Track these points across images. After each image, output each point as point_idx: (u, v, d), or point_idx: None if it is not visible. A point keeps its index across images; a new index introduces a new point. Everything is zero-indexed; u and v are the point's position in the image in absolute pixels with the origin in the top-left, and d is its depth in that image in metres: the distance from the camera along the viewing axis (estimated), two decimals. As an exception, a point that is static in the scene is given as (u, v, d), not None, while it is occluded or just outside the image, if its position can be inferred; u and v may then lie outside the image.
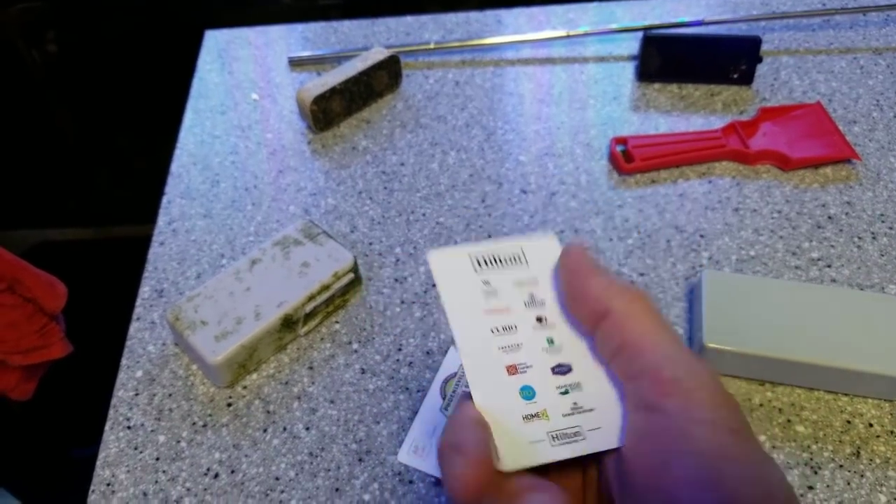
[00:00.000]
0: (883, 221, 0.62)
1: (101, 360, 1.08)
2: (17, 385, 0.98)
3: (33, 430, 1.17)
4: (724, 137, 0.69)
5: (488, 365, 0.30)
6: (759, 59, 0.74)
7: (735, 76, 0.75)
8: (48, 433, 1.22)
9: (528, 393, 0.30)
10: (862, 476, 0.47)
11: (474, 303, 0.31)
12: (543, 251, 0.33)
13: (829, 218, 0.63)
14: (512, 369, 0.30)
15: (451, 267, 0.32)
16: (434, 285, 0.59)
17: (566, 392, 0.30)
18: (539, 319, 0.31)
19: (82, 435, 1.43)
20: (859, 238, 0.61)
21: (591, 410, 0.30)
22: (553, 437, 0.29)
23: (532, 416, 0.29)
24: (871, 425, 0.50)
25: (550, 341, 0.31)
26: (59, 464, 1.26)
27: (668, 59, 0.75)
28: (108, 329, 1.21)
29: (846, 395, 0.52)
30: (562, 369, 0.30)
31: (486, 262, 0.32)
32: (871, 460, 0.48)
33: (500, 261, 0.32)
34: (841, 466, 0.48)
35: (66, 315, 0.98)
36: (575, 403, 0.30)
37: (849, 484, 0.47)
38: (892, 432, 0.49)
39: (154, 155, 1.52)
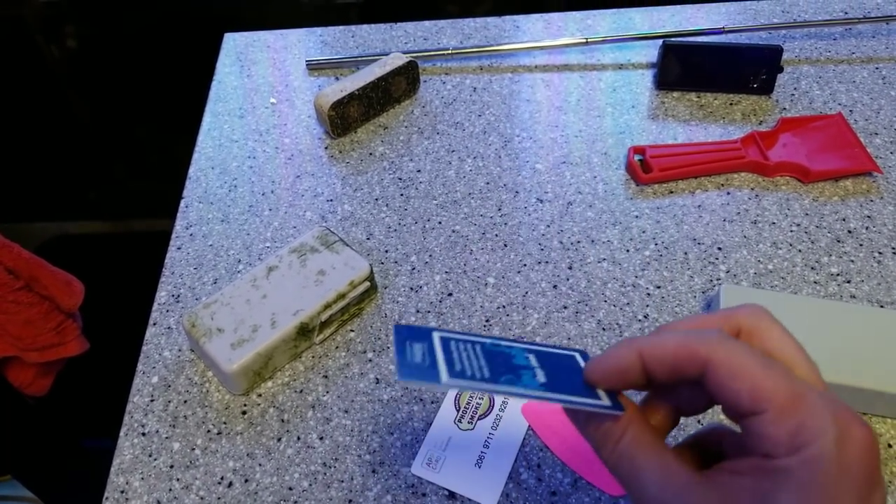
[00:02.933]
0: (904, 237, 0.62)
1: (116, 354, 1.09)
2: (34, 381, 0.99)
3: (47, 422, 1.18)
4: (743, 148, 0.68)
5: None
6: (780, 69, 0.73)
7: (755, 85, 0.75)
8: (61, 425, 1.23)
9: None
10: (879, 497, 0.47)
11: None
12: None
13: (849, 232, 0.62)
14: None
15: None
16: (449, 294, 0.59)
17: None
18: None
19: (95, 427, 1.44)
20: (879, 253, 0.61)
21: None
22: None
23: None
24: (890, 446, 0.49)
25: None
26: (72, 455, 1.27)
27: (688, 67, 0.75)
28: (124, 323, 1.21)
29: (865, 414, 0.51)
30: None
31: None
32: (890, 481, 0.48)
33: None
34: (858, 487, 0.47)
35: (83, 307, 0.99)
36: None
37: (866, 506, 0.47)
38: (910, 453, 0.49)
39: (172, 149, 1.53)
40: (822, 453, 0.25)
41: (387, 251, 0.63)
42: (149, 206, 1.68)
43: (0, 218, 1.62)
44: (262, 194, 0.68)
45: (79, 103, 1.59)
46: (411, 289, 0.60)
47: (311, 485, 0.49)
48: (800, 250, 0.61)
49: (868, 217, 0.63)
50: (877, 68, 0.78)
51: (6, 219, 1.68)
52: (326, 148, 0.73)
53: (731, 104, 0.75)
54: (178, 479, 0.50)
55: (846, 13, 0.84)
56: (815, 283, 0.59)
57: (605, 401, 0.31)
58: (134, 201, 1.74)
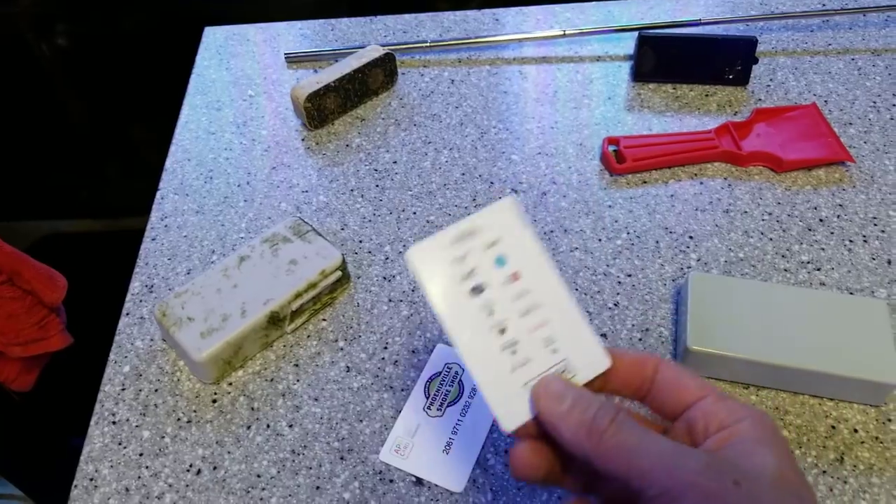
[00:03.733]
0: (875, 224, 0.62)
1: (105, 352, 1.09)
2: (18, 376, 0.99)
3: (34, 419, 1.18)
4: (716, 138, 0.69)
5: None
6: (755, 60, 0.74)
7: (730, 77, 0.75)
8: (48, 423, 1.24)
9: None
10: (845, 482, 0.47)
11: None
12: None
13: (821, 220, 0.63)
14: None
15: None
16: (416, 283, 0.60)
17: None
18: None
19: (81, 424, 1.44)
20: (850, 241, 0.61)
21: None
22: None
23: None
24: (856, 431, 0.50)
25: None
26: (59, 453, 1.27)
27: (663, 59, 0.75)
28: (115, 321, 1.21)
29: (832, 399, 0.51)
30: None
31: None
32: (854, 466, 0.48)
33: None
34: (824, 472, 0.48)
35: (74, 307, 0.99)
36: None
37: (832, 490, 0.47)
38: (876, 438, 0.49)
39: (164, 147, 1.53)
40: (764, 416, 0.31)
41: (361, 241, 0.63)
42: (140, 204, 1.68)
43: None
44: (238, 185, 0.69)
45: (70, 102, 1.59)
46: (384, 278, 0.60)
47: (279, 472, 0.49)
48: (771, 238, 0.61)
49: (840, 206, 0.64)
50: (852, 59, 0.78)
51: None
52: (303, 140, 0.73)
53: (706, 95, 0.75)
54: (147, 467, 0.50)
55: (823, 5, 0.84)
56: (785, 270, 0.59)
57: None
58: (125, 200, 1.74)
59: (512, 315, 0.33)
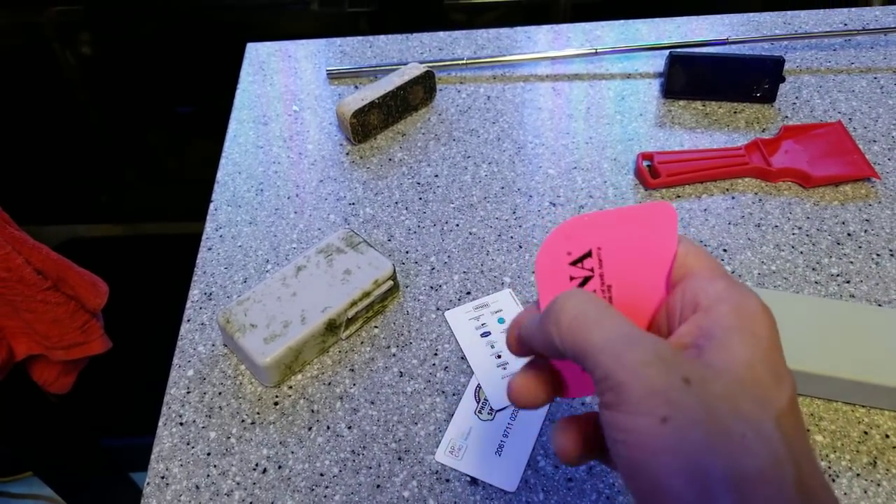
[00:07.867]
0: (901, 239, 0.65)
1: (129, 355, 1.12)
2: (57, 379, 1.02)
3: (67, 420, 1.21)
4: (747, 155, 0.71)
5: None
6: (782, 79, 0.76)
7: (758, 94, 0.78)
8: (81, 424, 1.26)
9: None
10: (878, 485, 0.50)
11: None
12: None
13: (849, 235, 0.65)
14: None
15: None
16: (468, 293, 0.62)
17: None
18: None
19: (111, 426, 1.47)
20: (877, 255, 0.64)
21: None
22: None
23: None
24: (887, 436, 0.52)
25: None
26: (89, 453, 1.30)
27: (693, 77, 0.78)
28: (137, 324, 1.24)
29: (863, 406, 0.54)
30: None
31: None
32: (887, 470, 0.51)
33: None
34: (858, 475, 0.50)
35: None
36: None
37: (865, 492, 0.50)
38: (906, 443, 0.52)
39: (182, 153, 1.56)
40: (747, 300, 0.28)
41: (407, 252, 0.66)
42: (159, 209, 1.72)
43: (13, 221, 1.65)
44: (288, 198, 0.72)
45: (92, 109, 1.62)
46: (431, 287, 0.63)
47: (340, 471, 0.52)
48: (801, 252, 0.64)
49: (867, 221, 0.66)
50: (875, 78, 0.81)
51: (19, 222, 1.71)
52: (347, 154, 0.76)
53: (734, 112, 0.78)
54: (215, 466, 0.53)
55: (845, 25, 0.87)
56: (816, 283, 0.62)
57: None
58: (145, 205, 1.77)
59: (504, 347, 0.54)
